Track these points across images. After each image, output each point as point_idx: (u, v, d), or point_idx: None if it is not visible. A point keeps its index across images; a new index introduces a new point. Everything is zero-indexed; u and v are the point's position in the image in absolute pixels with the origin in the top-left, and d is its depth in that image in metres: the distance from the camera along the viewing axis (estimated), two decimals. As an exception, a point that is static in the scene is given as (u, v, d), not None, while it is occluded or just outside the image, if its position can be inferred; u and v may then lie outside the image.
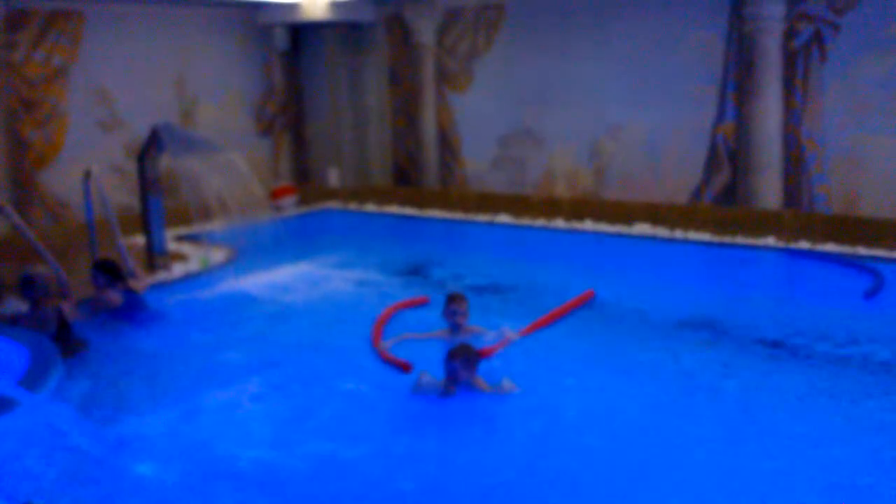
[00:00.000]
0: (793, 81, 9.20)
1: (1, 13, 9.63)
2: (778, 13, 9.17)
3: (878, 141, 8.78)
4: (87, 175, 8.30)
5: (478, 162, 11.91)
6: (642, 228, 9.67)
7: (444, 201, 11.88)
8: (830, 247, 8.45)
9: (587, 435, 4.91)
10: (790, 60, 9.19)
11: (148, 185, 8.66)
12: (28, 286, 6.54)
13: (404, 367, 5.94)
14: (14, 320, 6.43)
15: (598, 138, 10.65)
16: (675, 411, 5.21)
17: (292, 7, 11.76)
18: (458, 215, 11.10)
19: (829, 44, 8.93)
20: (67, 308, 6.56)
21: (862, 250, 8.25)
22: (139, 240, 9.11)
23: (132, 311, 7.12)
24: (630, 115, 10.34)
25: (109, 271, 7.16)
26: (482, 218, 10.83)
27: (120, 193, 10.59)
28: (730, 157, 9.76)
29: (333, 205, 12.37)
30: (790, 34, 9.15)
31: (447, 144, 12.26)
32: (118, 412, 5.38)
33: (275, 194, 11.90)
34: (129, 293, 7.14)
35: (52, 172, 10.20)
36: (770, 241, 8.77)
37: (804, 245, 8.56)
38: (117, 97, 10.79)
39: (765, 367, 5.98)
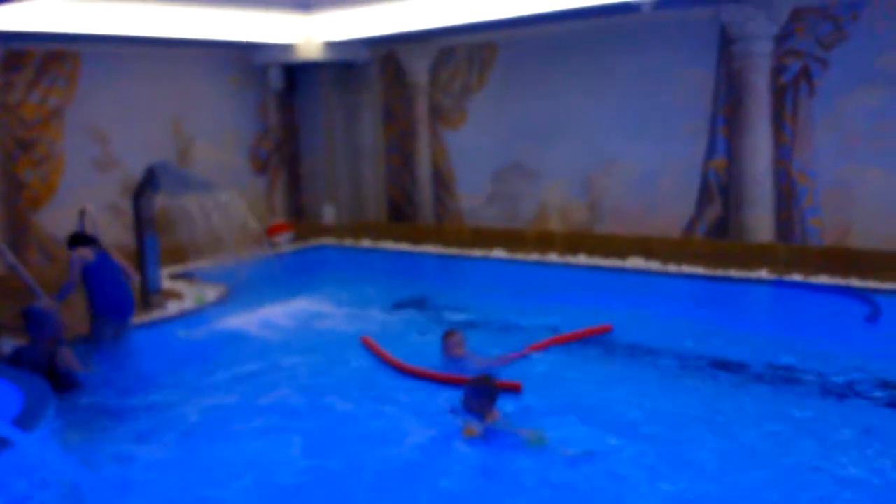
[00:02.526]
0: (782, 116, 9.31)
1: (-2, 55, 9.74)
2: (766, 49, 9.32)
3: (869, 173, 8.87)
4: (82, 213, 8.34)
5: (472, 197, 11.98)
6: (636, 262, 9.70)
7: (439, 236, 11.93)
8: (823, 279, 8.48)
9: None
10: (779, 96, 9.32)
11: (143, 223, 8.68)
12: (32, 322, 6.51)
13: (514, 388, 6.06)
14: (15, 359, 6.37)
15: (592, 173, 10.74)
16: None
17: (287, 47, 11.90)
18: (454, 250, 11.13)
19: (818, 79, 9.06)
20: (65, 355, 6.48)
21: (855, 282, 8.29)
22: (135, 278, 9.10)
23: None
24: (623, 150, 10.44)
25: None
26: (477, 253, 10.86)
27: (115, 231, 10.58)
28: (721, 191, 9.84)
29: (329, 241, 12.40)
30: (779, 70, 9.29)
31: (441, 180, 12.34)
32: (109, 451, 5.33)
33: (270, 231, 11.92)
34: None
35: (48, 212, 10.22)
36: (763, 273, 8.79)
37: (797, 277, 8.58)
38: (113, 137, 10.86)
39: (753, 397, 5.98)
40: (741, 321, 7.98)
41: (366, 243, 12.08)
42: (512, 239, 11.27)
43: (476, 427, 5.26)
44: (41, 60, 10.18)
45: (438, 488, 4.81)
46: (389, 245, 11.83)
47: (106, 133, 10.81)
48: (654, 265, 9.53)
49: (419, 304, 9.30)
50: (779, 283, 8.54)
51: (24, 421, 5.00)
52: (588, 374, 6.70)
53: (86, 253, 7.42)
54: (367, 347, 7.45)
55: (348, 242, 12.23)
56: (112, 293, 7.44)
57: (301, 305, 8.97)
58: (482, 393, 5.38)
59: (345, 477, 4.96)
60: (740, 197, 9.63)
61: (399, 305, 9.19)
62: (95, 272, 7.39)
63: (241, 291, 8.95)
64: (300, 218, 13.31)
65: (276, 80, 12.71)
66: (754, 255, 9.36)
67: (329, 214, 13.13)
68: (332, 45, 11.93)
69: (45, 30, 9.03)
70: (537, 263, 10.16)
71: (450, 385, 6.15)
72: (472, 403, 5.34)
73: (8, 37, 9.24)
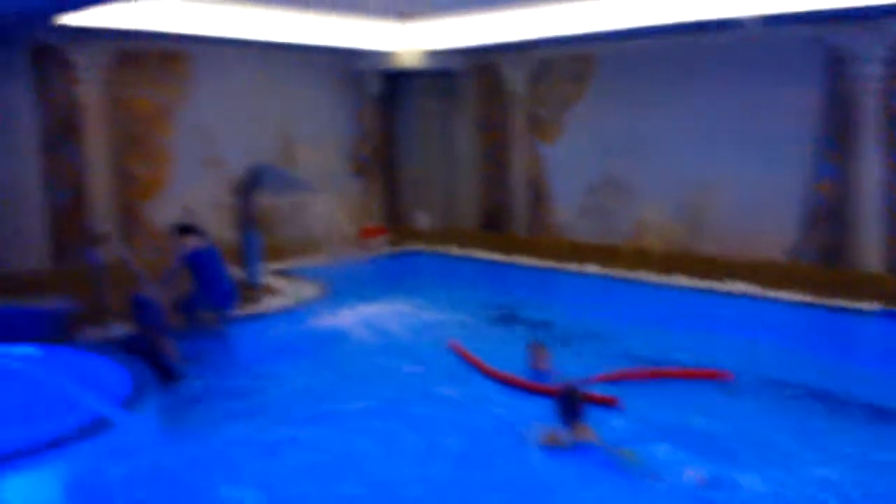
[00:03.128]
0: (892, 139, 8.95)
1: (114, 51, 10.14)
2: (875, 71, 8.98)
3: None
4: (186, 210, 8.59)
5: (566, 211, 11.88)
6: (736, 285, 9.43)
7: (531, 248, 11.86)
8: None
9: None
10: (889, 118, 8.95)
11: (246, 220, 8.90)
12: (137, 310, 6.74)
13: (611, 402, 6.03)
14: (124, 344, 6.60)
15: (691, 192, 10.51)
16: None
17: (387, 55, 12.07)
18: (546, 263, 11.03)
19: (931, 103, 8.69)
20: (166, 344, 6.69)
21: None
22: (237, 273, 9.34)
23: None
24: (724, 171, 10.17)
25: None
26: (570, 266, 10.74)
27: (219, 228, 10.88)
28: (828, 216, 9.49)
29: (421, 247, 12.47)
30: (888, 92, 8.93)
31: (536, 192, 12.28)
32: (210, 437, 5.46)
33: (364, 234, 12.08)
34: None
35: (156, 205, 10.55)
36: (872, 304, 8.43)
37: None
38: (219, 136, 11.16)
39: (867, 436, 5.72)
40: (845, 352, 7.66)
41: (458, 250, 12.10)
42: (606, 254, 11.09)
43: (561, 436, 5.20)
44: (155, 59, 10.57)
45: (513, 492, 4.82)
46: (481, 254, 11.83)
47: (213, 132, 11.12)
48: (755, 290, 9.24)
49: (509, 313, 9.28)
50: (888, 315, 8.18)
51: (130, 404, 5.19)
52: (685, 400, 6.50)
53: (193, 242, 7.65)
54: (456, 352, 7.48)
55: (440, 249, 12.29)
56: (217, 283, 7.65)
57: (394, 307, 9.06)
58: (567, 402, 5.30)
59: (430, 469, 4.97)
60: (848, 222, 9.27)
61: (489, 313, 9.19)
62: (202, 262, 7.60)
63: (336, 291, 9.08)
64: (395, 222, 13.42)
65: (374, 86, 12.91)
66: (863, 284, 8.98)
67: (423, 220, 13.22)
68: (430, 54, 12.05)
69: (159, 29, 9.37)
70: (633, 281, 9.98)
71: (538, 394, 6.10)
72: (559, 412, 5.28)
73: (124, 34, 9.62)
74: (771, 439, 5.65)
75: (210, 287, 7.63)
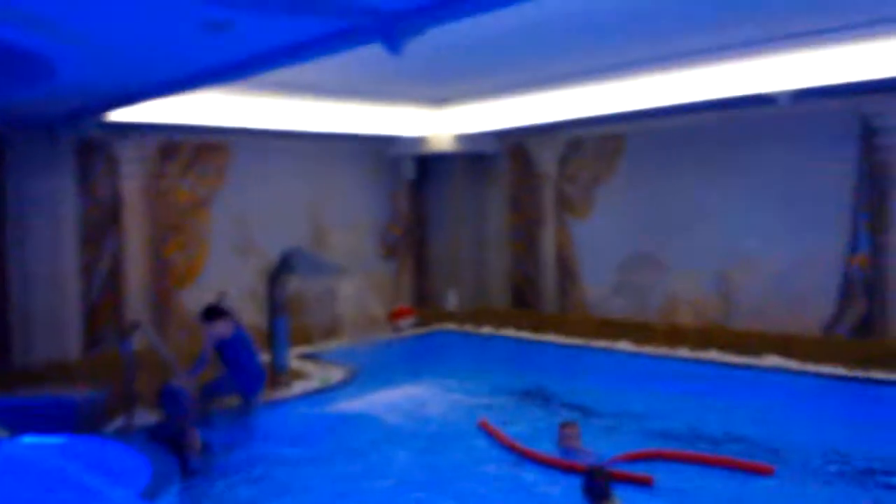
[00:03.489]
0: (930, 210, 8.78)
1: (156, 144, 10.56)
2: (911, 141, 8.88)
3: None
4: (222, 295, 8.76)
5: (597, 287, 11.82)
6: (772, 360, 9.20)
7: (561, 325, 11.76)
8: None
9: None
10: (927, 188, 8.80)
11: (276, 305, 9.03)
12: (166, 399, 6.82)
13: (646, 481, 6.02)
14: (152, 433, 6.65)
15: (725, 267, 10.38)
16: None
17: (419, 140, 12.34)
18: (577, 340, 10.92)
19: (969, 172, 8.52)
20: (193, 437, 6.68)
21: None
22: (265, 357, 9.43)
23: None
24: (758, 244, 10.06)
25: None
26: (601, 344, 10.61)
27: (250, 313, 11.06)
28: (865, 288, 9.27)
29: (450, 326, 12.47)
30: (925, 161, 8.81)
31: (566, 270, 12.26)
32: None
33: (394, 315, 12.14)
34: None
35: (191, 292, 10.79)
36: (912, 377, 8.15)
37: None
38: (254, 223, 11.44)
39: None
40: (886, 426, 7.39)
41: (487, 330, 12.06)
42: (639, 331, 10.95)
43: None
44: (194, 150, 10.96)
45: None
46: (511, 332, 11.77)
47: (248, 220, 11.41)
48: (793, 364, 9.00)
49: (538, 393, 9.16)
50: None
51: (149, 494, 5.21)
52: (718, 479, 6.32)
53: (222, 328, 7.64)
54: (486, 430, 7.43)
55: (469, 328, 12.26)
56: (246, 367, 7.64)
57: (421, 389, 9.03)
58: (593, 483, 5.28)
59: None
60: (885, 295, 9.04)
61: (518, 393, 9.10)
62: (231, 345, 7.61)
63: (364, 373, 9.09)
64: (424, 302, 13.49)
65: (408, 170, 13.17)
66: (902, 357, 8.70)
67: (452, 300, 13.25)
68: (462, 137, 12.28)
69: (199, 122, 9.74)
70: (665, 357, 9.80)
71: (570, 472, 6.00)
72: (586, 492, 5.23)
73: (164, 128, 10.04)
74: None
75: (238, 370, 7.63)
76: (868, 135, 9.18)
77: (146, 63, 6.67)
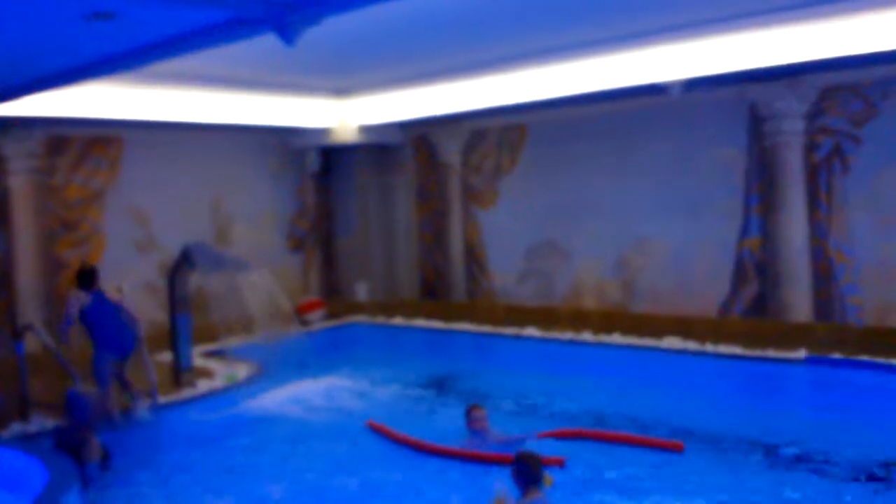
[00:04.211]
0: (816, 194, 9.22)
1: (43, 139, 10.10)
2: (797, 127, 9.30)
3: (908, 251, 8.67)
4: (118, 291, 8.47)
5: (505, 275, 11.97)
6: (672, 342, 9.51)
7: (472, 314, 11.88)
8: (864, 359, 8.20)
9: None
10: (812, 173, 9.24)
11: (176, 301, 8.80)
12: (68, 406, 6.53)
13: (558, 463, 6.08)
14: (58, 440, 6.37)
15: (625, 252, 10.68)
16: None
17: (324, 131, 12.20)
18: (486, 328, 11.05)
19: (851, 155, 8.98)
20: (92, 446, 6.45)
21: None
22: (167, 357, 9.19)
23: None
24: (655, 230, 10.39)
25: None
26: (509, 331, 10.76)
27: (152, 310, 10.75)
28: (757, 270, 9.69)
29: (361, 318, 12.42)
30: (811, 147, 9.24)
31: (474, 259, 12.37)
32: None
33: (302, 309, 12.00)
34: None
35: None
36: (802, 353, 8.55)
37: (837, 357, 8.34)
38: (153, 218, 11.12)
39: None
40: (778, 401, 7.75)
41: (398, 321, 12.07)
42: (545, 317, 11.18)
43: (509, 501, 5.17)
44: (84, 144, 10.54)
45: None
46: (421, 322, 11.81)
47: (146, 214, 11.08)
48: (691, 345, 9.32)
49: (448, 381, 9.22)
50: (814, 361, 8.31)
51: (44, 501, 5.02)
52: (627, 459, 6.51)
53: (81, 295, 7.69)
54: (376, 430, 7.33)
55: (380, 320, 12.24)
56: (105, 331, 7.70)
57: (328, 382, 8.96)
58: (520, 468, 5.28)
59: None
60: (776, 275, 9.47)
61: (427, 383, 9.13)
62: (91, 313, 7.68)
63: (271, 369, 8.95)
64: (334, 295, 13.40)
65: (313, 162, 13.01)
66: (793, 335, 9.14)
67: (362, 292, 13.20)
68: (366, 129, 12.21)
69: (88, 115, 9.37)
70: (571, 342, 10.01)
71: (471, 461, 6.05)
72: (513, 478, 5.27)
73: (51, 122, 9.61)
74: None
75: (96, 336, 7.69)
76: (756, 122, 9.57)
77: (28, 55, 6.38)
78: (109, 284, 8.57)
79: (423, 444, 6.73)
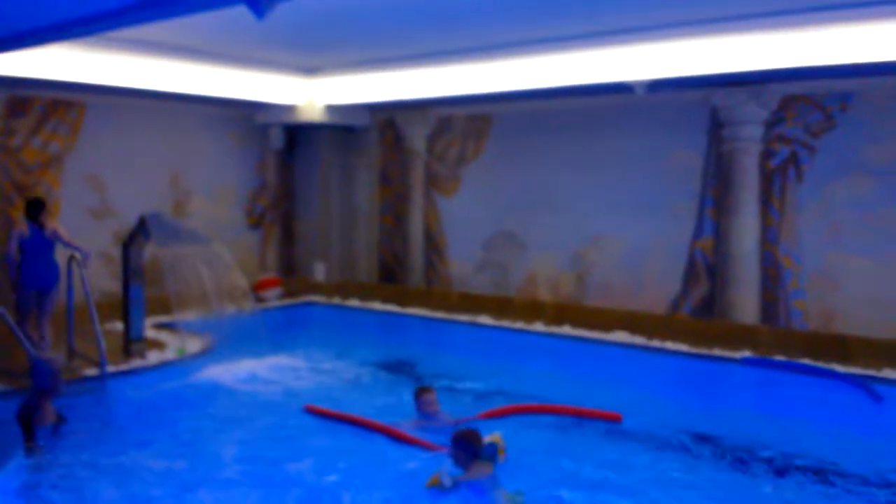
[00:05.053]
0: (770, 200, 9.45)
1: (3, 99, 9.91)
2: (756, 134, 9.51)
3: (854, 261, 8.95)
4: (71, 259, 8.39)
5: (463, 264, 12.06)
6: (620, 336, 9.70)
7: (428, 300, 11.97)
8: (797, 362, 8.45)
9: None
10: (767, 179, 9.46)
11: (131, 272, 8.73)
12: (41, 373, 6.41)
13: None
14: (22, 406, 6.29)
15: (580, 247, 10.84)
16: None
17: (289, 108, 12.14)
18: (441, 314, 11.13)
19: (806, 164, 9.22)
20: (47, 411, 6.38)
21: (837, 367, 8.26)
22: (118, 326, 9.13)
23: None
24: (611, 226, 10.56)
25: None
26: (464, 318, 10.87)
27: (105, 280, 10.66)
28: (708, 271, 9.91)
29: (317, 299, 12.42)
30: (767, 154, 9.46)
31: (433, 245, 12.44)
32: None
33: (258, 286, 11.97)
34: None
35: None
36: (746, 354, 8.78)
37: (771, 359, 8.58)
38: (111, 186, 10.99)
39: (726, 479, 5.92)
40: (720, 399, 7.96)
41: (354, 302, 12.10)
42: (500, 307, 11.31)
43: (444, 479, 5.28)
44: (45, 107, 10.37)
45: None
46: (377, 306, 11.85)
47: (104, 182, 10.95)
48: (639, 340, 9.53)
49: (400, 364, 9.30)
50: (748, 362, 8.55)
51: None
52: (570, 445, 6.66)
53: (23, 228, 8.28)
54: (315, 413, 7.25)
55: (337, 301, 12.26)
56: (32, 266, 8.29)
57: (279, 360, 8.97)
58: (456, 446, 5.44)
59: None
60: (726, 277, 9.70)
61: (379, 365, 9.18)
62: (27, 245, 8.32)
63: (223, 344, 8.93)
64: (291, 274, 13.38)
65: (276, 139, 12.95)
66: (738, 336, 9.39)
67: (320, 272, 13.20)
68: (332, 109, 12.18)
69: (49, 77, 9.21)
70: (523, 331, 10.15)
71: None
72: (454, 458, 5.39)
73: (12, 82, 9.43)
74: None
75: (23, 267, 8.24)
76: (717, 126, 9.77)
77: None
78: (67, 252, 8.50)
79: (360, 420, 6.76)
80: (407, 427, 6.75)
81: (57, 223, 8.94)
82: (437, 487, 5.28)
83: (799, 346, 8.96)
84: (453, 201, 12.19)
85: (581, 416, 7.24)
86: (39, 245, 8.38)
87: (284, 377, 8.43)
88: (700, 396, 8.20)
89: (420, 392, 6.90)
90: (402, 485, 5.56)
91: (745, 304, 9.56)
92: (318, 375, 8.68)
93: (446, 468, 5.40)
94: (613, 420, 7.16)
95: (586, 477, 5.90)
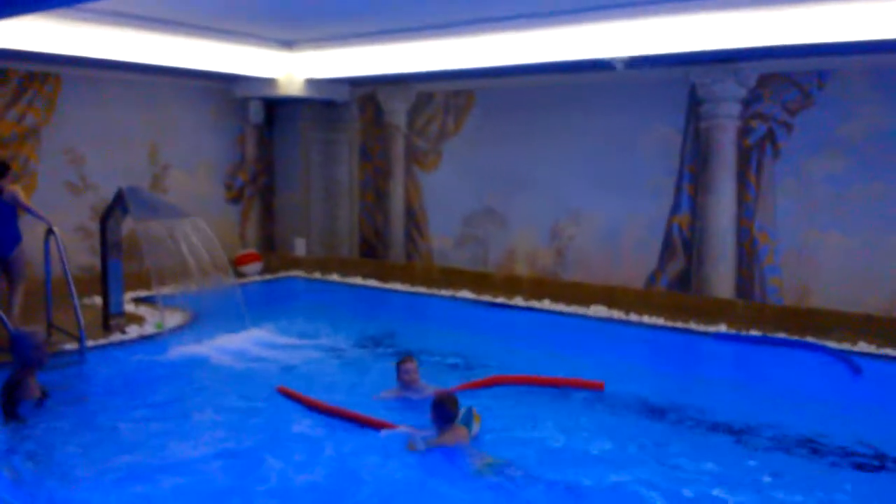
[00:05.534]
0: (746, 176, 9.54)
1: (-23, 72, 9.80)
2: (734, 111, 9.57)
3: (828, 237, 9.08)
4: (49, 233, 8.34)
5: (443, 238, 12.10)
6: (599, 310, 9.81)
7: (409, 275, 12.03)
8: (771, 336, 8.62)
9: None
10: (744, 156, 9.55)
11: (109, 246, 8.70)
12: (23, 347, 6.38)
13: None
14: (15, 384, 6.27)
15: (559, 222, 10.91)
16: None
17: (269, 82, 12.06)
18: (421, 289, 11.19)
19: (782, 142, 9.31)
20: (29, 385, 6.36)
21: (811, 341, 8.41)
22: (98, 300, 9.11)
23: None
24: (590, 202, 10.63)
25: None
26: (444, 293, 10.93)
27: (83, 254, 10.62)
28: (685, 246, 10.02)
29: (298, 274, 12.43)
30: (745, 131, 9.53)
31: (414, 220, 12.46)
32: (54, 478, 5.27)
33: (239, 261, 11.96)
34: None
35: (17, 230, 10.17)
36: (722, 328, 8.91)
37: (755, 333, 8.72)
38: (88, 159, 10.90)
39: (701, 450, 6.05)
40: (695, 372, 8.09)
41: (335, 278, 12.12)
42: (480, 281, 11.39)
43: (417, 444, 5.54)
44: (21, 80, 10.25)
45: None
46: (358, 281, 11.88)
47: (82, 155, 10.86)
48: (617, 314, 9.63)
49: (381, 338, 9.35)
50: (722, 336, 8.69)
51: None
52: (546, 413, 6.76)
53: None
54: (286, 395, 7.13)
55: (318, 276, 12.28)
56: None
57: (260, 336, 8.99)
58: (434, 409, 5.62)
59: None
60: (702, 252, 9.81)
61: (360, 340, 9.23)
62: None
63: (203, 319, 8.94)
64: (272, 249, 13.37)
65: (255, 113, 12.88)
66: (714, 310, 9.52)
67: (300, 247, 13.20)
68: (313, 83, 12.11)
69: (25, 49, 9.10)
70: (502, 306, 10.23)
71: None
72: (433, 419, 5.62)
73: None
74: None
75: None
76: (695, 103, 9.82)
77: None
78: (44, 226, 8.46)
79: (324, 406, 6.72)
80: (387, 396, 6.83)
81: (17, 188, 8.84)
82: (412, 450, 5.53)
83: (774, 321, 9.11)
84: (434, 176, 12.21)
85: (564, 386, 7.35)
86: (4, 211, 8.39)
87: (264, 352, 8.45)
88: (664, 365, 8.33)
89: (400, 362, 6.98)
90: (381, 453, 5.64)
91: (721, 279, 9.69)
92: (298, 350, 8.71)
93: (418, 434, 5.54)
94: (596, 388, 7.30)
95: (568, 445, 6.00)
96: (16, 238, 8.57)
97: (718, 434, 6.42)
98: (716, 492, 5.24)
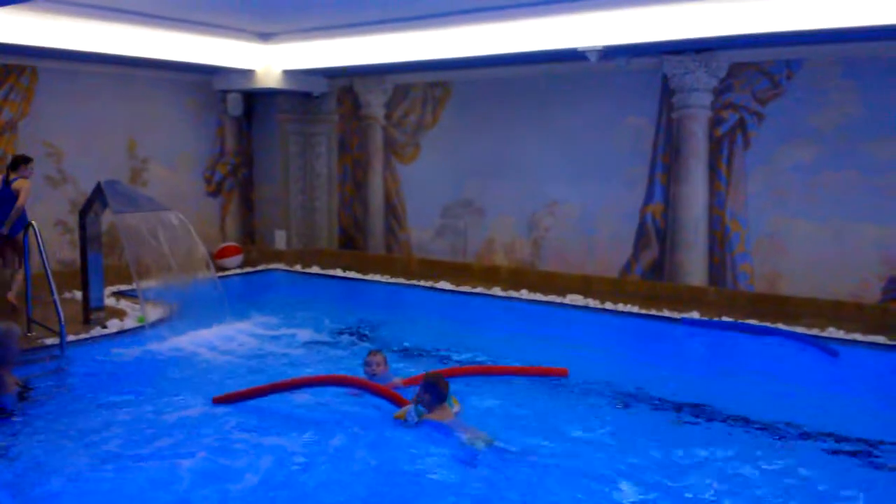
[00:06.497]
0: (718, 165, 9.71)
1: (-46, 67, 9.79)
2: (705, 101, 9.74)
3: (798, 224, 9.28)
4: (27, 227, 8.37)
5: (422, 230, 12.22)
6: (575, 299, 9.96)
7: (388, 266, 12.14)
8: (730, 320, 8.80)
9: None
10: (716, 145, 9.72)
11: (89, 240, 8.74)
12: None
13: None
14: None
15: (536, 212, 11.05)
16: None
17: (247, 74, 12.10)
18: (401, 280, 11.30)
19: (753, 131, 9.49)
20: (6, 380, 6.42)
21: (782, 327, 8.59)
22: (78, 295, 9.15)
23: None
24: (565, 192, 10.78)
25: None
26: (424, 284, 11.05)
27: (62, 248, 10.66)
28: (658, 235, 10.19)
29: (279, 266, 12.50)
30: (716, 121, 9.70)
31: (393, 212, 12.56)
32: (38, 471, 5.35)
33: (219, 254, 12.02)
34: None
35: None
36: (694, 314, 9.09)
37: (727, 320, 8.90)
38: (67, 153, 10.92)
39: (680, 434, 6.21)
40: (665, 358, 8.28)
41: (315, 270, 12.20)
42: (458, 272, 11.53)
43: (410, 416, 5.85)
44: (-3, 73, 10.26)
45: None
46: (338, 272, 11.98)
47: (60, 149, 10.87)
48: (593, 302, 9.79)
49: (360, 329, 9.45)
50: (687, 322, 8.86)
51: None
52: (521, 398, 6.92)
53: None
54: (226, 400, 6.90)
55: (298, 268, 12.36)
56: None
57: (241, 328, 9.05)
58: (424, 388, 5.92)
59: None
60: (675, 241, 9.99)
61: (338, 331, 9.33)
62: None
63: (184, 312, 9.00)
64: (252, 242, 13.44)
65: (234, 106, 12.90)
66: (687, 297, 9.70)
67: (281, 240, 13.27)
68: (291, 74, 12.17)
69: (0, 41, 9.10)
70: (481, 296, 10.36)
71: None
72: (422, 398, 5.89)
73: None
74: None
75: None
76: (668, 93, 9.97)
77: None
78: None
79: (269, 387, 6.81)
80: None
81: (27, 185, 8.89)
82: (403, 422, 5.85)
83: (745, 307, 9.30)
84: (412, 168, 12.31)
85: (528, 375, 7.46)
86: (1, 195, 8.71)
87: (244, 344, 8.53)
88: (635, 351, 8.50)
89: (368, 355, 7.07)
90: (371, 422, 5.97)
91: (694, 267, 9.88)
92: (278, 342, 8.79)
93: (413, 407, 5.84)
94: (560, 375, 7.43)
95: (537, 430, 6.15)
96: (22, 220, 8.74)
97: (673, 413, 6.61)
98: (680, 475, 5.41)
